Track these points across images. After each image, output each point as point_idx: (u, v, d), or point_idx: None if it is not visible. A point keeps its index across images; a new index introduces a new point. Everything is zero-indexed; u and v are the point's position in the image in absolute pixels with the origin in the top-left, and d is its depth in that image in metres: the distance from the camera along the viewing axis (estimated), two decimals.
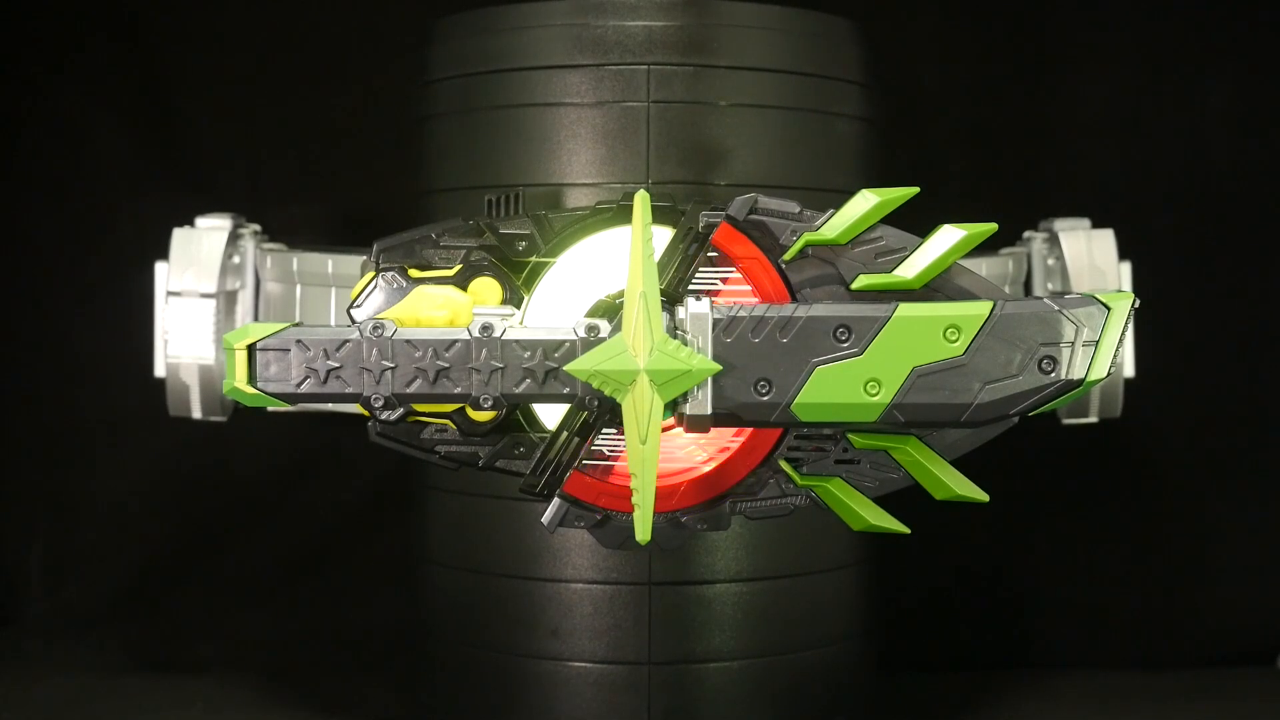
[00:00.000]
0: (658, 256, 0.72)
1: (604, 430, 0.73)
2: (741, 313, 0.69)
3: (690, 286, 0.72)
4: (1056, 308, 0.70)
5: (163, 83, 1.24)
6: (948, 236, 0.70)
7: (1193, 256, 1.21)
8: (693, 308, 0.69)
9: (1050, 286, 1.01)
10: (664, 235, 0.74)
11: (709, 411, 0.69)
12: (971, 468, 0.73)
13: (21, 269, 1.24)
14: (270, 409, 0.74)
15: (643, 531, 0.69)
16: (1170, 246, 1.19)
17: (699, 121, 0.86)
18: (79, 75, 1.23)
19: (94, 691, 1.06)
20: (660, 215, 0.74)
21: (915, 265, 0.70)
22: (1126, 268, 1.00)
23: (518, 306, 0.74)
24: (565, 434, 0.73)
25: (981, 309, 0.69)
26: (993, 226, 0.70)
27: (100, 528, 1.24)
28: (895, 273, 0.70)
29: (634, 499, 0.69)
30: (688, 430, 0.71)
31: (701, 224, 0.72)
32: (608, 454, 0.74)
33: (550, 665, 0.88)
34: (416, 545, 0.97)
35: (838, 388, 0.69)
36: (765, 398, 0.69)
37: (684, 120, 0.86)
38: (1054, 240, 1.00)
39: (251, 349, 0.71)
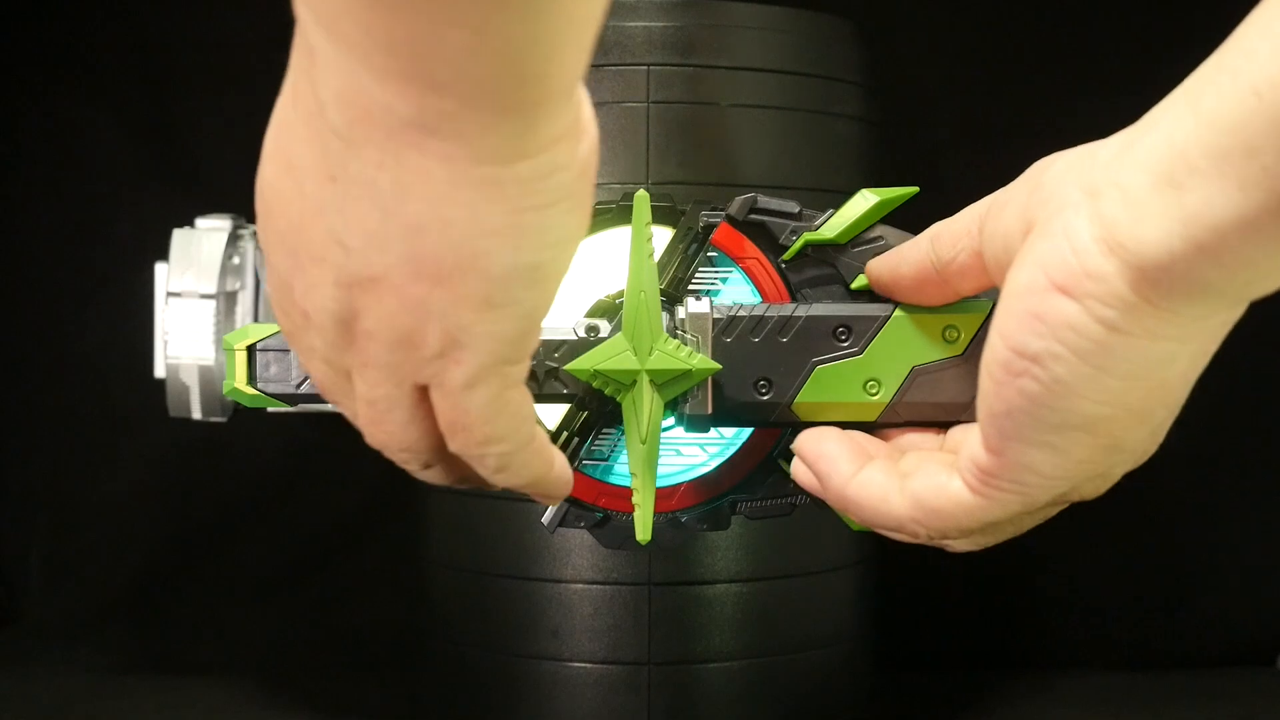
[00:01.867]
0: (657, 256, 0.72)
1: (604, 430, 0.73)
2: (741, 312, 0.69)
3: (690, 286, 0.72)
4: None
5: (163, 83, 1.24)
6: None
7: None
8: (692, 307, 0.69)
9: None
10: (664, 235, 0.74)
11: (709, 411, 0.69)
12: None
13: (21, 269, 1.25)
14: (270, 409, 0.74)
15: (643, 531, 0.69)
16: None
17: (699, 121, 0.86)
18: (79, 76, 1.23)
19: (94, 691, 1.06)
20: (660, 215, 0.74)
21: None
22: None
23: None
24: (565, 434, 0.73)
25: (981, 308, 0.69)
26: None
27: (100, 528, 1.24)
28: None
29: (634, 499, 0.69)
30: (688, 430, 0.71)
31: (701, 224, 0.72)
32: (608, 454, 0.74)
33: (550, 665, 0.88)
34: (416, 545, 0.97)
35: (838, 387, 0.69)
36: (765, 397, 0.69)
37: (684, 120, 0.86)
38: None
39: (251, 350, 0.71)
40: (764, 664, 0.89)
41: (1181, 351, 0.51)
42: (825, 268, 0.70)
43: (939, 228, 0.62)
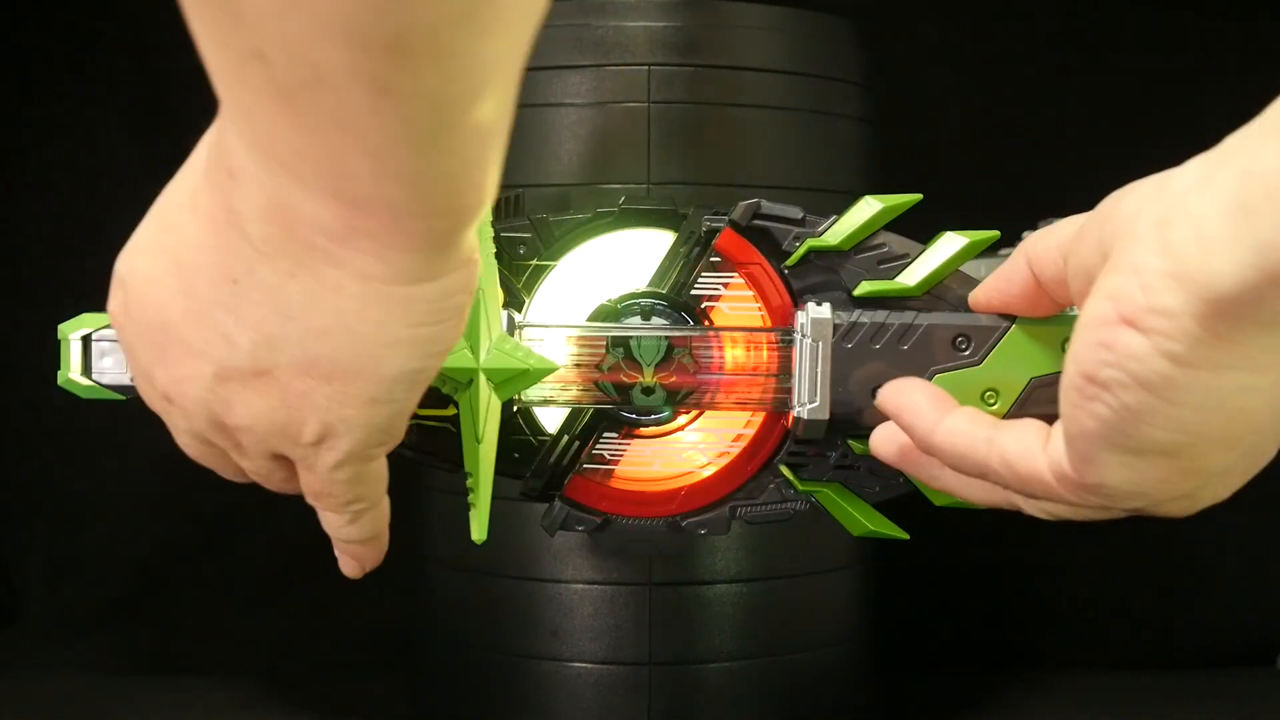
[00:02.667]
0: (658, 260, 0.72)
1: (605, 434, 0.73)
2: (863, 318, 0.69)
3: (693, 291, 0.72)
4: None
5: (164, 84, 1.23)
6: (950, 244, 0.70)
7: None
8: (813, 313, 0.69)
9: None
10: (666, 239, 0.74)
11: (826, 417, 0.69)
12: None
13: (21, 269, 1.24)
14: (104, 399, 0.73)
15: (479, 531, 0.68)
16: None
17: (699, 122, 0.86)
18: (81, 77, 1.23)
19: (94, 691, 1.06)
20: (661, 218, 0.74)
21: (917, 273, 0.70)
22: None
23: (519, 310, 0.74)
24: (566, 438, 0.73)
25: None
26: (994, 234, 0.70)
27: (100, 528, 1.24)
28: (897, 280, 0.70)
29: (470, 498, 0.68)
30: (801, 434, 0.70)
31: (703, 228, 0.72)
32: (609, 457, 0.74)
33: (550, 665, 0.88)
34: (417, 545, 0.97)
35: (956, 396, 0.68)
36: None
37: (684, 121, 0.86)
38: None
39: (86, 339, 0.71)
40: (764, 664, 0.89)
41: (1259, 382, 0.51)
42: (828, 274, 0.70)
43: (1031, 247, 0.63)
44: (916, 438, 0.64)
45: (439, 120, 0.45)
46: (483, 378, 0.67)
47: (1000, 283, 0.66)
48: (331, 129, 0.45)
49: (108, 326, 0.70)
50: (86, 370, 0.71)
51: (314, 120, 0.44)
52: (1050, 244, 0.61)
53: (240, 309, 0.53)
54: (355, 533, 0.64)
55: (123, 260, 0.59)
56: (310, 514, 1.31)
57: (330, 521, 0.64)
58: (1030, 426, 0.59)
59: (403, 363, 0.54)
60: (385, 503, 0.64)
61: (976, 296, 0.68)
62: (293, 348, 0.53)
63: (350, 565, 0.67)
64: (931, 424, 0.63)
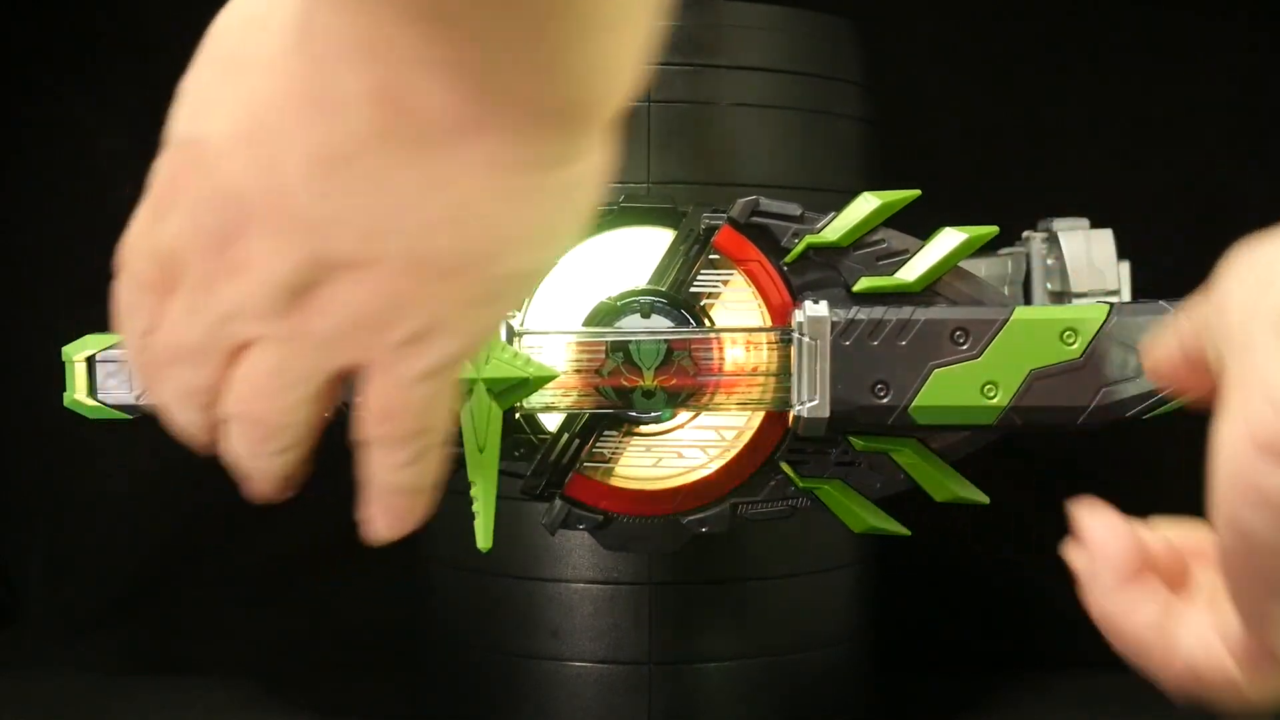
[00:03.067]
0: (658, 258, 0.72)
1: (606, 432, 0.73)
2: (860, 315, 0.69)
3: (692, 289, 0.72)
4: (1172, 309, 0.70)
5: (164, 84, 1.23)
6: (949, 239, 0.70)
7: (1192, 256, 1.21)
8: (810, 311, 0.69)
9: (1049, 287, 1.00)
10: (666, 237, 0.74)
11: (826, 415, 0.69)
12: (972, 469, 0.73)
13: (21, 269, 1.24)
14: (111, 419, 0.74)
15: (484, 539, 0.69)
16: (1170, 246, 1.19)
17: (699, 121, 0.86)
18: (81, 77, 1.23)
19: (94, 691, 1.06)
20: (661, 216, 0.74)
21: (916, 268, 0.70)
22: (1125, 267, 1.00)
23: (518, 308, 0.74)
24: (566, 436, 0.73)
25: (1099, 312, 0.69)
26: (993, 229, 0.70)
27: (100, 528, 1.24)
28: (896, 275, 0.70)
29: (474, 506, 0.68)
30: (802, 432, 0.70)
31: (702, 226, 0.72)
32: (609, 456, 0.74)
33: (550, 665, 0.88)
34: (418, 545, 0.97)
35: (955, 390, 0.68)
36: (883, 400, 0.69)
37: (684, 120, 0.86)
38: (1053, 240, 1.00)
39: (90, 360, 0.71)
40: (764, 664, 0.89)
41: None
42: (827, 270, 0.70)
43: (1183, 332, 0.54)
44: (1089, 598, 0.55)
45: (573, 7, 0.41)
46: (482, 387, 0.67)
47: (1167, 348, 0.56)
48: (453, 25, 0.41)
49: (111, 347, 0.70)
50: (92, 391, 0.72)
51: (436, 11, 0.41)
52: (1193, 328, 0.53)
53: (343, 198, 0.47)
54: (408, 478, 0.55)
55: (190, 120, 0.52)
56: (311, 515, 1.31)
57: (384, 461, 0.55)
58: (1205, 616, 0.51)
59: (516, 260, 0.49)
60: (445, 453, 0.56)
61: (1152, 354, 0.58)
62: (399, 241, 0.47)
63: (386, 522, 0.57)
64: (1108, 588, 0.54)
